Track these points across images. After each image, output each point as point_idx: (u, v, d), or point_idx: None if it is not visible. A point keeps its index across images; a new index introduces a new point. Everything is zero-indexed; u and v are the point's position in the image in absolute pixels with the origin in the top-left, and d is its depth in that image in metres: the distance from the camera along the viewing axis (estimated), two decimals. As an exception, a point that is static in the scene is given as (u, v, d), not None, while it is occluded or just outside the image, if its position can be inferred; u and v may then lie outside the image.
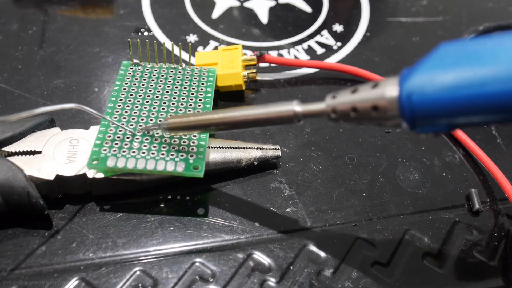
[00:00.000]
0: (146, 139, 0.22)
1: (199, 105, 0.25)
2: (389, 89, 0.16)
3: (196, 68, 0.27)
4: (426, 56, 0.16)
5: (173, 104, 0.24)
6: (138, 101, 0.24)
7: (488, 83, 0.14)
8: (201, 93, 0.25)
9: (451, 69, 0.15)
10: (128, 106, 0.24)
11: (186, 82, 0.26)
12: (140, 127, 0.23)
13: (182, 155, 0.22)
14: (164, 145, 0.22)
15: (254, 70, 0.29)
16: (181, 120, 0.21)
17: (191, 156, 0.22)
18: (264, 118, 0.19)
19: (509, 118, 0.15)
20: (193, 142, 0.23)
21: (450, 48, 0.15)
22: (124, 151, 0.22)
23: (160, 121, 0.23)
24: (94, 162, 0.21)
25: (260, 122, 0.20)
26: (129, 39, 0.26)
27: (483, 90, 0.14)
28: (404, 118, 0.16)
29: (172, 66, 0.26)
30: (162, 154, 0.22)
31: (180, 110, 0.24)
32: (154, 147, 0.22)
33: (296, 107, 0.18)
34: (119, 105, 0.24)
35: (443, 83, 0.15)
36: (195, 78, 0.26)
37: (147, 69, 0.26)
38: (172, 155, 0.22)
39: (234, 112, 0.20)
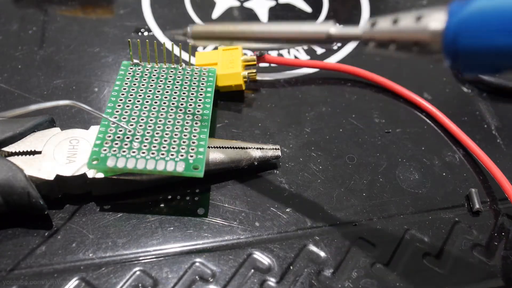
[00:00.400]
0: (146, 139, 0.22)
1: (199, 105, 0.24)
2: (435, 24, 0.15)
3: (196, 68, 0.27)
4: None
5: (173, 104, 0.24)
6: (138, 101, 0.24)
7: None
8: (201, 93, 0.25)
9: (507, 7, 0.14)
10: (128, 106, 0.24)
11: (186, 82, 0.26)
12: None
13: (182, 155, 0.22)
14: (164, 145, 0.22)
15: (254, 70, 0.29)
16: (209, 29, 0.21)
17: (191, 156, 0.22)
18: (296, 37, 0.19)
19: None
20: (193, 142, 0.23)
21: None
22: (124, 151, 0.22)
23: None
24: (94, 162, 0.21)
25: (291, 40, 0.19)
26: (129, 39, 0.26)
27: None
28: (447, 55, 0.15)
29: (172, 66, 0.26)
30: (162, 154, 0.22)
31: (180, 110, 0.24)
32: (154, 147, 0.22)
33: (331, 28, 0.18)
34: (119, 105, 0.24)
35: (496, 22, 0.14)
36: (195, 78, 0.26)
37: (147, 69, 0.26)
38: (172, 155, 0.22)
39: (267, 27, 0.20)
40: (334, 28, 0.18)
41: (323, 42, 0.18)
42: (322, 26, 0.18)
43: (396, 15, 0.16)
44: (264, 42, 0.20)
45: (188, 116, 0.24)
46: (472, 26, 0.14)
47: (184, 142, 0.23)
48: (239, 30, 0.20)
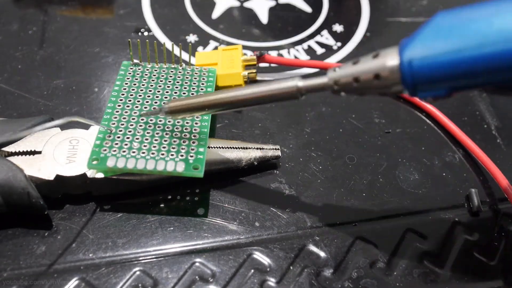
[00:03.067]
0: (146, 139, 0.22)
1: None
2: (390, 58, 0.17)
3: (196, 68, 0.27)
4: (424, 25, 0.17)
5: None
6: (138, 101, 0.24)
7: (483, 45, 0.15)
8: (201, 93, 0.25)
9: (448, 35, 0.16)
10: (128, 106, 0.24)
11: (186, 82, 0.26)
12: (141, 114, 0.23)
13: (182, 155, 0.22)
14: (164, 145, 0.22)
15: (254, 70, 0.29)
16: (183, 102, 0.21)
17: (191, 156, 0.22)
18: (267, 95, 0.20)
19: (503, 79, 0.16)
20: (193, 142, 0.23)
21: (445, 16, 0.16)
22: (124, 151, 0.22)
23: (164, 103, 0.24)
24: (94, 162, 0.21)
25: (263, 100, 0.20)
26: (129, 39, 0.26)
27: (479, 52, 0.15)
28: (405, 84, 0.17)
29: (172, 66, 0.26)
30: (162, 154, 0.22)
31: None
32: (154, 147, 0.22)
33: (298, 82, 0.19)
34: (119, 105, 0.24)
35: (441, 48, 0.16)
36: (195, 78, 0.26)
37: (147, 69, 0.26)
38: (172, 155, 0.22)
39: (236, 91, 0.20)
40: (301, 82, 0.19)
41: (294, 97, 0.19)
42: (290, 82, 0.19)
43: (356, 59, 0.18)
44: (237, 106, 0.21)
45: (188, 116, 0.24)
46: (421, 54, 0.16)
47: (184, 142, 0.23)
48: (212, 99, 0.21)
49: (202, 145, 0.23)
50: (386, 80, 0.17)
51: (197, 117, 0.24)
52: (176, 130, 0.23)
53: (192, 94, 0.25)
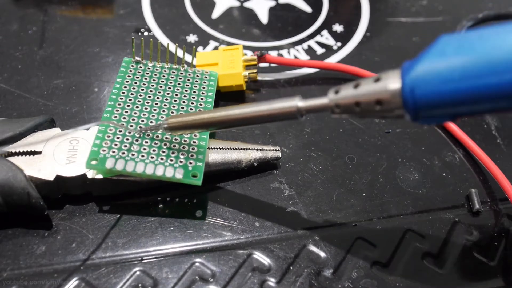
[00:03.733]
0: (146, 142, 0.22)
1: (199, 110, 0.24)
2: (392, 82, 0.16)
3: (198, 71, 0.27)
4: (427, 48, 0.16)
5: (173, 107, 0.24)
6: (139, 100, 0.24)
7: (487, 74, 0.15)
8: (202, 97, 0.25)
9: (452, 61, 0.15)
10: (128, 106, 0.24)
11: (187, 85, 0.26)
12: (140, 129, 0.23)
13: (181, 161, 0.22)
14: (163, 150, 0.22)
15: (255, 70, 0.29)
16: (182, 119, 0.21)
17: (190, 163, 0.22)
18: (267, 115, 0.19)
19: (507, 107, 0.15)
20: (193, 149, 0.22)
21: (450, 40, 0.16)
22: (123, 153, 0.22)
23: (162, 117, 0.23)
24: (93, 162, 0.21)
25: (263, 119, 0.20)
26: (132, 37, 0.26)
27: (483, 81, 0.15)
28: (407, 109, 0.16)
29: (174, 66, 0.26)
30: (162, 159, 0.22)
31: (181, 112, 0.24)
32: (154, 151, 0.22)
33: (299, 102, 0.19)
34: (119, 104, 0.24)
35: (444, 75, 0.15)
36: (196, 81, 0.26)
37: (149, 68, 0.26)
38: (171, 160, 0.22)
39: (236, 109, 0.20)
40: (301, 102, 0.19)
41: (294, 117, 0.19)
42: (290, 102, 0.19)
43: (357, 81, 0.18)
44: (236, 125, 0.20)
45: (187, 134, 0.23)
46: (423, 80, 0.16)
47: (183, 147, 0.22)
48: (211, 117, 0.20)
49: (202, 152, 0.22)
50: (388, 104, 0.17)
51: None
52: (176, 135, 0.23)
53: (193, 97, 0.25)
